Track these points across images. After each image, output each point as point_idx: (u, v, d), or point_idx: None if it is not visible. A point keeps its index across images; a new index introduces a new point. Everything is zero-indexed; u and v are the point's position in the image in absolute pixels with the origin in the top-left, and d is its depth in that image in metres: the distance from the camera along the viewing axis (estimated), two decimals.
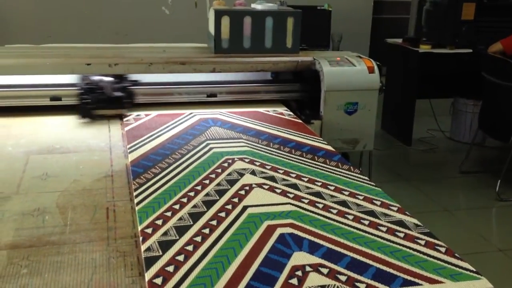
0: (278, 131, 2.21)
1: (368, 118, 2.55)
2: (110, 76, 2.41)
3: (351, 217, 1.47)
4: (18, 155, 1.91)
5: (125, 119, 2.30)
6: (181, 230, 1.36)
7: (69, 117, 2.36)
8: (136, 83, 2.50)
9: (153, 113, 2.40)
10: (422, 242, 1.34)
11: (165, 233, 1.35)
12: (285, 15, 2.62)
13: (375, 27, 6.29)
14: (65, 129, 2.22)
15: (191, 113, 2.41)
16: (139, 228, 1.36)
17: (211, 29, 2.62)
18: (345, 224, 1.42)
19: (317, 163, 1.87)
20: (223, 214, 1.46)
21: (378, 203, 1.56)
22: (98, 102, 2.33)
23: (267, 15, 2.60)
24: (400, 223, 1.44)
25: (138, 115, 2.36)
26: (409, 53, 4.58)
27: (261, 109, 2.52)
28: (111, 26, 5.40)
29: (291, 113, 2.49)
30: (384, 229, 1.40)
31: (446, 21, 4.50)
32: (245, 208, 1.50)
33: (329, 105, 2.49)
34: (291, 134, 2.17)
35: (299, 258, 1.25)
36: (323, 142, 2.10)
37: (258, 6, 2.66)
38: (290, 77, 2.73)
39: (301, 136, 2.16)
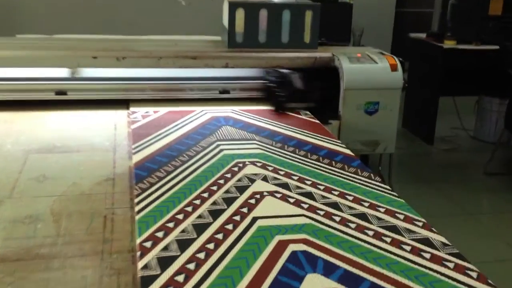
0: (294, 132, 2.08)
1: (390, 119, 2.40)
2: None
3: (371, 233, 1.33)
4: (17, 154, 1.80)
5: (132, 116, 2.18)
6: (183, 244, 1.24)
7: (74, 112, 2.25)
8: None
9: (163, 110, 2.28)
10: (451, 265, 1.20)
11: (165, 248, 1.22)
12: (304, 8, 2.48)
13: (397, 21, 6.09)
14: (69, 125, 2.11)
15: (202, 111, 2.29)
16: (138, 241, 1.24)
17: (225, 22, 2.49)
18: (365, 241, 1.29)
19: (334, 168, 1.74)
20: (230, 227, 1.33)
21: (401, 217, 1.42)
22: (290, 96, 2.32)
23: (284, 8, 2.45)
24: (426, 242, 1.29)
25: (146, 112, 2.24)
26: (433, 48, 4.41)
27: None
28: (125, 17, 5.30)
29: (307, 112, 2.35)
30: (408, 248, 1.26)
31: (472, 16, 4.34)
32: (254, 219, 1.37)
33: (348, 104, 2.34)
34: (307, 136, 2.03)
35: (313, 281, 1.12)
36: (342, 145, 1.96)
37: None
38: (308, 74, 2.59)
39: (318, 138, 2.02)
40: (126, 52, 2.27)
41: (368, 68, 2.36)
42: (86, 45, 2.37)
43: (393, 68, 2.36)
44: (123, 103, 2.33)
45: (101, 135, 1.99)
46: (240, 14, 2.42)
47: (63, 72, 2.30)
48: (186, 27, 4.96)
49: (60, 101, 2.27)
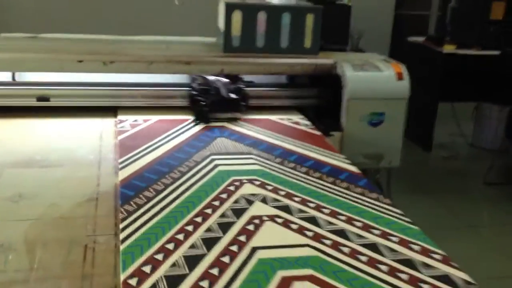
0: (294, 145, 1.93)
1: (395, 131, 2.25)
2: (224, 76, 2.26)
3: (384, 268, 1.19)
4: None
5: (119, 125, 2.03)
6: (173, 282, 1.09)
7: (57, 120, 2.09)
8: (251, 84, 2.33)
9: (153, 118, 2.12)
10: None
11: (153, 287, 1.07)
12: (305, 11, 2.33)
13: (396, 24, 5.96)
14: (50, 135, 1.95)
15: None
16: (121, 277, 1.09)
17: (221, 24, 2.33)
18: (378, 279, 1.14)
19: (339, 188, 1.59)
20: (226, 259, 1.18)
21: (417, 248, 1.28)
22: (214, 105, 2.11)
23: (284, 10, 2.30)
24: (446, 280, 1.15)
25: (135, 121, 2.08)
26: (432, 53, 4.28)
27: (274, 117, 2.24)
28: (117, 15, 5.12)
29: (308, 122, 2.20)
30: (427, 287, 1.12)
31: (473, 20, 4.21)
32: (254, 250, 1.23)
33: (351, 115, 2.20)
34: (308, 150, 1.89)
35: None
36: (346, 160, 1.82)
37: (274, 0, 2.37)
38: (308, 81, 2.44)
39: (320, 152, 1.87)
40: (114, 56, 2.11)
41: (373, 77, 2.21)
42: (72, 47, 2.21)
43: (399, 76, 2.22)
44: (111, 111, 2.17)
45: (85, 147, 1.83)
46: (237, 16, 2.27)
47: (47, 76, 2.14)
48: (180, 26, 4.80)
49: (42, 108, 2.11)
